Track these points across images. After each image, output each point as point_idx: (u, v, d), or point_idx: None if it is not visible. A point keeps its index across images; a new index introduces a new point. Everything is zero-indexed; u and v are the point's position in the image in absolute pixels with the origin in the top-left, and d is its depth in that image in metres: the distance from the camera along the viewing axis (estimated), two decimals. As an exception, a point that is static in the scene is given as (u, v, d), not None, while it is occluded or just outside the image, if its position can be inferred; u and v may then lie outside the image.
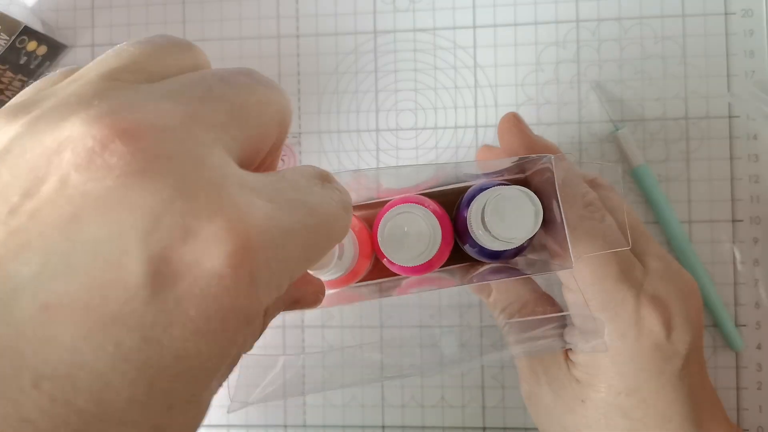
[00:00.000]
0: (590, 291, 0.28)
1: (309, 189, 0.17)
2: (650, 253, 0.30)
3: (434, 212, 0.26)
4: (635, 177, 0.39)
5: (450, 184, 0.29)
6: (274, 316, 0.19)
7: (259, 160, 0.18)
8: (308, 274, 0.25)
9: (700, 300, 0.30)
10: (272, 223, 0.15)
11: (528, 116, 0.39)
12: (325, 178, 0.19)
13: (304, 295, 0.22)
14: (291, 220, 0.16)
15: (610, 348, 0.28)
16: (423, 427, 0.40)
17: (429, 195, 0.29)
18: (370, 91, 0.40)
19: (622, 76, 0.39)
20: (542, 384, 0.31)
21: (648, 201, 0.38)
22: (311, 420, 0.41)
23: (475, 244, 0.27)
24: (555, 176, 0.24)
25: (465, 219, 0.26)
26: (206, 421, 0.41)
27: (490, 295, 0.33)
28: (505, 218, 0.25)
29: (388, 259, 0.27)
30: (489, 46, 0.40)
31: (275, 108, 0.18)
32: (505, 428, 0.39)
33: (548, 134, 0.39)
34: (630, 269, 0.28)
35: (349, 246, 0.27)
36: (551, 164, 0.25)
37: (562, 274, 0.29)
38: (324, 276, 0.27)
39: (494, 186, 0.26)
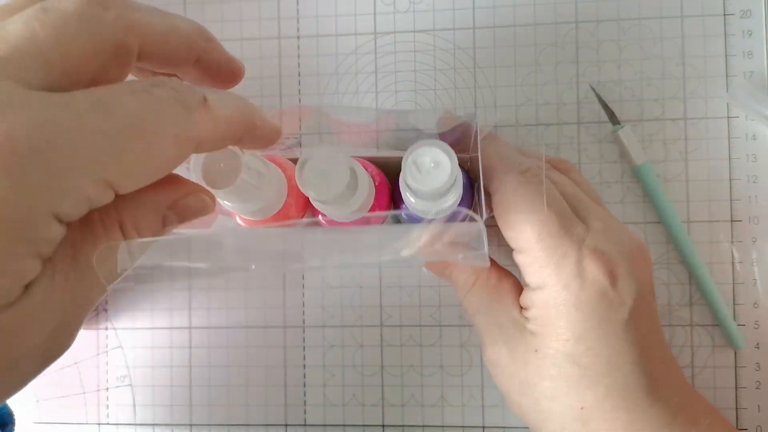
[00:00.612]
0: (535, 249, 0.30)
1: (118, 97, 0.19)
2: (595, 216, 0.31)
3: (371, 174, 0.28)
4: (637, 175, 0.39)
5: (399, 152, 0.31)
6: (135, 221, 0.22)
7: (84, 77, 0.20)
8: (185, 180, 0.24)
9: (646, 257, 0.31)
10: (37, 130, 0.17)
11: (527, 117, 0.40)
12: (157, 83, 0.20)
13: (184, 203, 0.24)
14: (70, 125, 0.17)
15: (557, 298, 0.29)
16: (423, 426, 0.40)
17: (373, 161, 0.31)
18: (371, 92, 0.41)
19: (621, 76, 0.39)
20: (500, 344, 0.32)
21: (650, 200, 0.39)
22: (311, 419, 0.41)
23: (407, 211, 0.29)
24: (477, 133, 0.29)
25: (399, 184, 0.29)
26: (209, 419, 0.41)
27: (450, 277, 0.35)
28: (422, 170, 0.26)
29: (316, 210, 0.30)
30: (488, 47, 0.40)
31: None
32: (504, 427, 0.40)
33: (547, 135, 0.39)
34: (571, 226, 0.30)
35: (273, 185, 0.29)
36: (475, 125, 0.29)
37: (512, 239, 0.31)
38: (242, 211, 0.29)
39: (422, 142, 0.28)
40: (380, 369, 0.40)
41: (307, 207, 0.30)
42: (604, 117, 0.39)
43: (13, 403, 0.43)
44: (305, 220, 0.31)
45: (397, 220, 0.31)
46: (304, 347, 0.41)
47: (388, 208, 0.30)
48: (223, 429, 0.42)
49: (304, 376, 0.41)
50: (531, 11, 0.40)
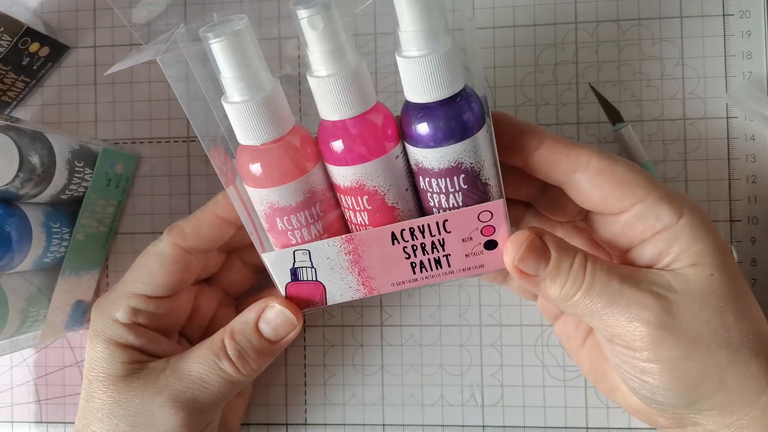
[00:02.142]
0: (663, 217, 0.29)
1: None
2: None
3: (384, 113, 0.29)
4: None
5: None
6: None
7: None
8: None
9: None
10: None
11: (527, 117, 0.40)
12: None
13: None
14: None
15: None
16: (423, 426, 0.40)
17: None
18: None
19: (621, 77, 0.39)
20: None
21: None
22: (312, 419, 0.41)
23: (412, 128, 0.28)
24: (485, 102, 0.29)
25: (407, 114, 0.29)
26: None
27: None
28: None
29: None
30: (488, 48, 0.40)
31: None
32: (504, 427, 0.40)
33: (547, 135, 0.40)
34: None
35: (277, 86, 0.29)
36: (483, 95, 0.29)
37: (625, 197, 0.29)
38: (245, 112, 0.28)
39: None
40: (381, 368, 0.41)
41: (318, 157, 0.30)
42: (604, 117, 0.39)
43: (13, 403, 0.43)
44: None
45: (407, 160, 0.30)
46: (304, 346, 0.41)
47: (397, 140, 0.29)
48: (223, 428, 0.42)
49: (305, 375, 0.41)
50: (530, 12, 0.40)
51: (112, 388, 0.32)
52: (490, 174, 0.29)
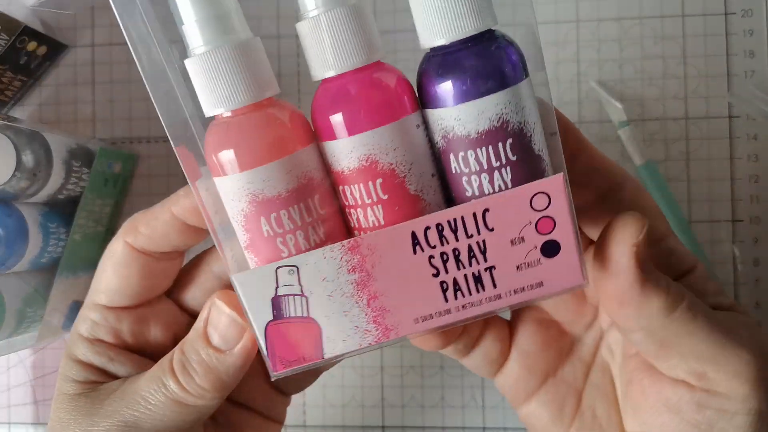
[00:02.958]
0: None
1: None
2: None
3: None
4: (641, 174, 0.38)
5: None
6: None
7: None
8: None
9: None
10: None
11: (528, 116, 0.39)
12: None
13: None
14: None
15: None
16: (423, 428, 0.40)
17: None
18: None
19: (622, 76, 0.39)
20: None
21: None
22: (311, 420, 0.41)
23: (434, 79, 0.22)
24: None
25: (426, 69, 0.22)
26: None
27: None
28: None
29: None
30: (489, 46, 0.40)
31: None
32: (504, 428, 0.39)
33: (548, 134, 0.39)
34: None
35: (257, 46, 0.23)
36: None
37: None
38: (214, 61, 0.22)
39: None
40: (380, 370, 0.40)
41: (311, 139, 0.23)
42: (606, 116, 0.39)
43: (11, 404, 0.43)
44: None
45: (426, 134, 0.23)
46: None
47: (415, 108, 0.22)
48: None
49: (304, 377, 0.41)
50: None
51: (60, 407, 0.27)
52: (543, 144, 0.22)
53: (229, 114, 0.22)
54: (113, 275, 0.27)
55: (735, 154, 0.38)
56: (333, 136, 0.22)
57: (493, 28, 0.22)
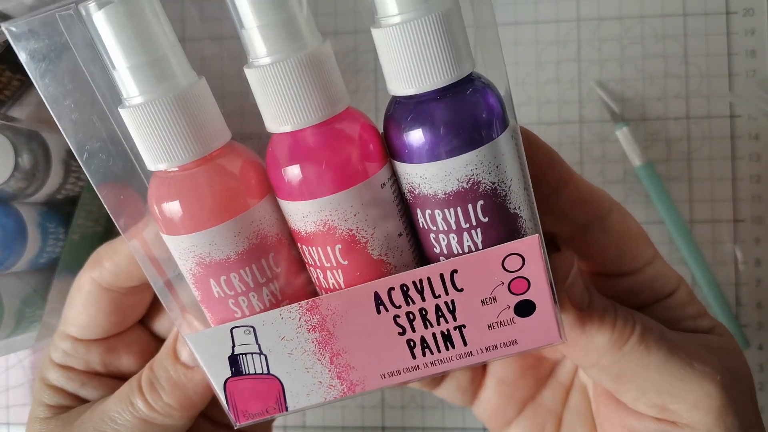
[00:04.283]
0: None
1: None
2: None
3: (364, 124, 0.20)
4: (639, 176, 0.38)
5: None
6: None
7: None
8: None
9: None
10: None
11: (528, 116, 0.39)
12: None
13: None
14: None
15: None
16: (423, 428, 0.40)
17: None
18: (370, 91, 0.40)
19: (623, 75, 0.39)
20: None
21: (652, 200, 0.38)
22: (311, 421, 0.40)
23: (401, 138, 0.19)
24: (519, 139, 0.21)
25: (393, 117, 0.20)
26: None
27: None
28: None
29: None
30: (489, 46, 0.40)
31: None
32: (505, 429, 0.39)
33: (549, 134, 0.39)
34: None
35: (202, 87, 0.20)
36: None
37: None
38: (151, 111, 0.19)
39: None
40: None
41: (266, 190, 0.21)
42: (606, 116, 0.39)
43: (9, 404, 0.42)
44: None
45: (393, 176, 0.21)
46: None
47: (382, 160, 0.20)
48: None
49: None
50: (532, 9, 0.39)
51: (33, 430, 0.27)
52: (520, 201, 0.20)
53: (174, 168, 0.20)
54: (81, 311, 0.26)
55: (736, 154, 0.38)
56: (287, 197, 0.20)
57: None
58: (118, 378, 0.28)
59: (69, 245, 0.38)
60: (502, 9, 0.40)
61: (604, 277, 0.26)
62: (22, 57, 0.20)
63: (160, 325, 0.29)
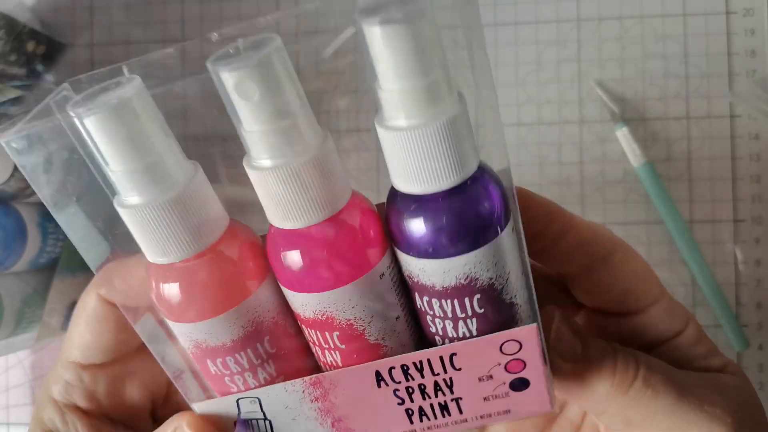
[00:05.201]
0: None
1: None
2: None
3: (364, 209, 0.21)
4: (639, 176, 0.38)
5: None
6: None
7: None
8: None
9: None
10: None
11: (528, 115, 0.39)
12: None
13: None
14: None
15: None
16: (423, 428, 0.40)
17: None
18: (369, 91, 0.40)
19: (623, 75, 0.39)
20: None
21: (652, 200, 0.38)
22: None
23: (401, 226, 0.20)
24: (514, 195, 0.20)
25: (394, 208, 0.20)
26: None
27: None
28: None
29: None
30: (489, 45, 0.40)
31: None
32: (505, 429, 0.39)
33: (549, 134, 0.39)
34: None
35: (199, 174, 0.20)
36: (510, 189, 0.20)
37: None
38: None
39: None
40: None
41: (266, 271, 0.21)
42: (607, 116, 0.39)
43: (9, 404, 0.42)
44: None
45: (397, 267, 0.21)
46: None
47: (382, 247, 0.20)
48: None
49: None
50: (532, 9, 0.39)
51: None
52: (517, 289, 0.21)
53: (170, 263, 0.20)
54: (87, 331, 0.26)
55: (736, 154, 0.38)
56: (286, 285, 0.21)
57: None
58: (121, 416, 0.27)
59: (69, 245, 0.38)
60: (502, 9, 0.40)
61: (609, 317, 0.25)
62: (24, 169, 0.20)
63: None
